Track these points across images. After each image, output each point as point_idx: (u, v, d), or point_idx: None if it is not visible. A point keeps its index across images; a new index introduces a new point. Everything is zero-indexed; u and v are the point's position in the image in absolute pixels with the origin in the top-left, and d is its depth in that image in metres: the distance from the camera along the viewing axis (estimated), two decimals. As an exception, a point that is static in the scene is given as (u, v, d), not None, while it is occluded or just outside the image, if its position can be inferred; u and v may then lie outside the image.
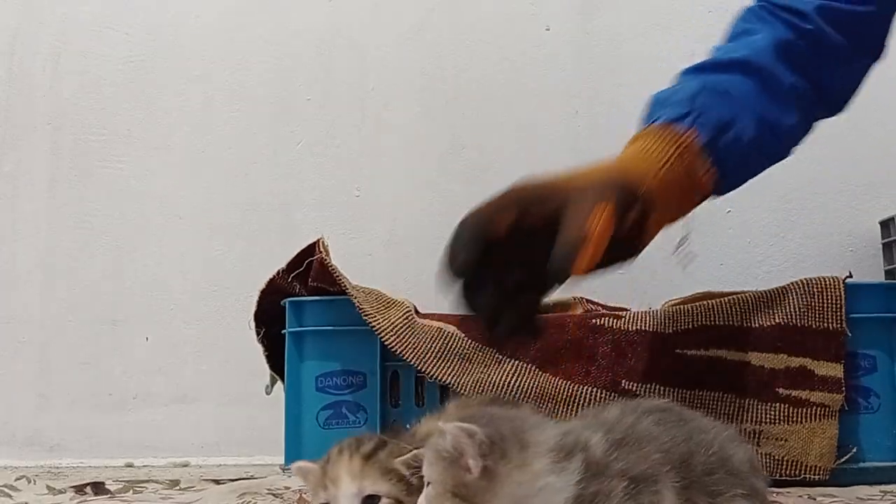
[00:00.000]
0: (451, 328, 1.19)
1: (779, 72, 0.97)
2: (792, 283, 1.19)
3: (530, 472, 0.60)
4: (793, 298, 1.17)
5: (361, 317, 1.16)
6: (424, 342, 1.16)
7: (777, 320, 1.16)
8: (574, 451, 0.61)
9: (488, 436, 0.61)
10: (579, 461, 0.60)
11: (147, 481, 1.28)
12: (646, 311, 1.21)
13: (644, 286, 1.67)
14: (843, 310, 1.16)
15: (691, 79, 0.98)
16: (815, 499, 1.01)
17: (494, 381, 1.14)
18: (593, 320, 1.19)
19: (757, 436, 1.11)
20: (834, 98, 1.04)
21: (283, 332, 1.25)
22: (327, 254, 1.21)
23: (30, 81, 1.86)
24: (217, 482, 1.24)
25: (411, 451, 0.74)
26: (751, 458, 0.68)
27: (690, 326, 1.17)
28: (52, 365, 1.76)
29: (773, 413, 1.13)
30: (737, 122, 0.94)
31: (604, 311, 1.25)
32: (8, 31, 1.88)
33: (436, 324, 1.19)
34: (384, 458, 0.74)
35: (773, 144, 0.99)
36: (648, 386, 1.13)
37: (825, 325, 1.15)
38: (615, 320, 1.19)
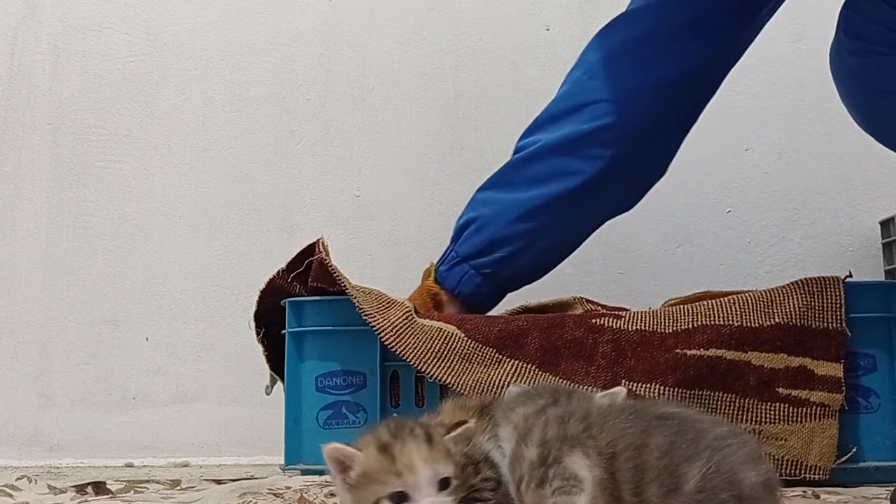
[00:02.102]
0: (451, 328, 1.19)
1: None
2: (792, 283, 1.19)
3: None
4: (793, 298, 1.17)
5: (361, 317, 1.16)
6: (424, 342, 1.16)
7: (777, 320, 1.16)
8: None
9: None
10: None
11: (148, 481, 1.28)
12: (646, 311, 1.21)
13: (644, 286, 1.67)
14: (843, 309, 1.16)
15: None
16: (818, 497, 1.01)
17: (494, 381, 1.14)
18: (593, 320, 1.19)
19: (757, 436, 1.11)
20: None
21: (282, 332, 1.25)
22: (327, 254, 1.21)
23: (30, 81, 1.87)
24: (218, 482, 1.24)
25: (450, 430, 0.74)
26: (767, 481, 0.65)
27: (690, 326, 1.16)
28: (52, 365, 1.76)
29: (773, 413, 1.13)
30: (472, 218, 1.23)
31: (604, 311, 1.25)
32: (8, 31, 1.88)
33: (436, 324, 1.19)
34: (442, 440, 0.73)
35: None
36: (648, 386, 1.13)
37: (825, 324, 1.16)
38: (615, 320, 1.18)
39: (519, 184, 1.20)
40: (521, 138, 1.27)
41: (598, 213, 1.25)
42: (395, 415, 1.19)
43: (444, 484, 0.71)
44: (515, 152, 1.27)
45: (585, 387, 1.15)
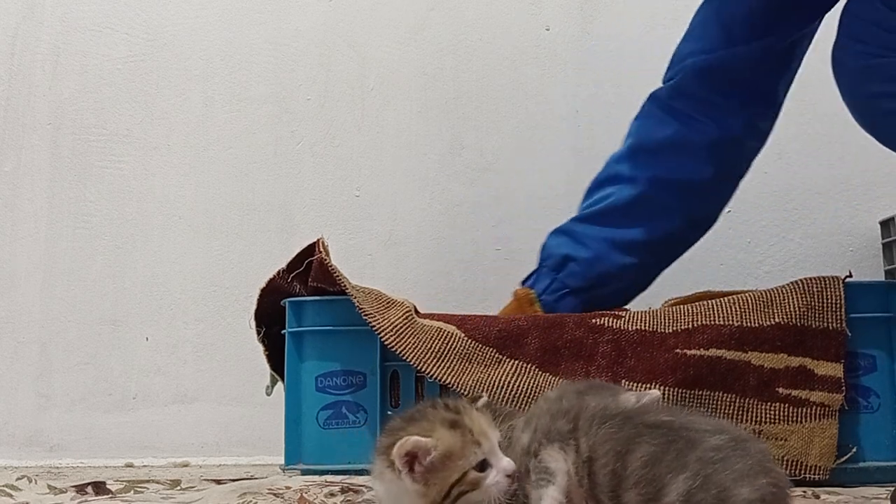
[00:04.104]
0: (451, 328, 1.19)
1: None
2: (792, 283, 1.19)
3: None
4: (793, 298, 1.17)
5: (361, 317, 1.16)
6: (424, 342, 1.16)
7: (777, 320, 1.16)
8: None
9: None
10: None
11: (148, 481, 1.28)
12: (646, 311, 1.21)
13: (644, 286, 1.67)
14: (843, 309, 1.16)
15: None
16: (818, 497, 1.01)
17: (494, 381, 1.14)
18: (593, 320, 1.19)
19: (757, 435, 1.11)
20: (699, 196, 1.27)
21: (283, 331, 1.25)
22: (327, 254, 1.21)
23: (30, 81, 1.87)
24: (218, 482, 1.24)
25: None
26: (765, 497, 0.62)
27: (690, 326, 1.16)
28: (52, 365, 1.76)
29: (773, 413, 1.13)
30: (574, 254, 1.27)
31: (604, 311, 1.25)
32: (8, 31, 1.88)
33: (436, 324, 1.19)
34: (484, 409, 0.78)
35: (630, 259, 1.27)
36: (648, 386, 1.13)
37: (825, 324, 1.16)
38: (615, 320, 1.18)
39: (622, 223, 1.26)
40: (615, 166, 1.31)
41: (691, 243, 1.33)
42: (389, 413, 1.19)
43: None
44: (606, 180, 1.31)
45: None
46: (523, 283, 1.35)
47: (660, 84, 1.33)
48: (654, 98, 1.30)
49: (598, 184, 1.31)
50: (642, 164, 1.26)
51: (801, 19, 1.24)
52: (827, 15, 1.24)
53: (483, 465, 0.73)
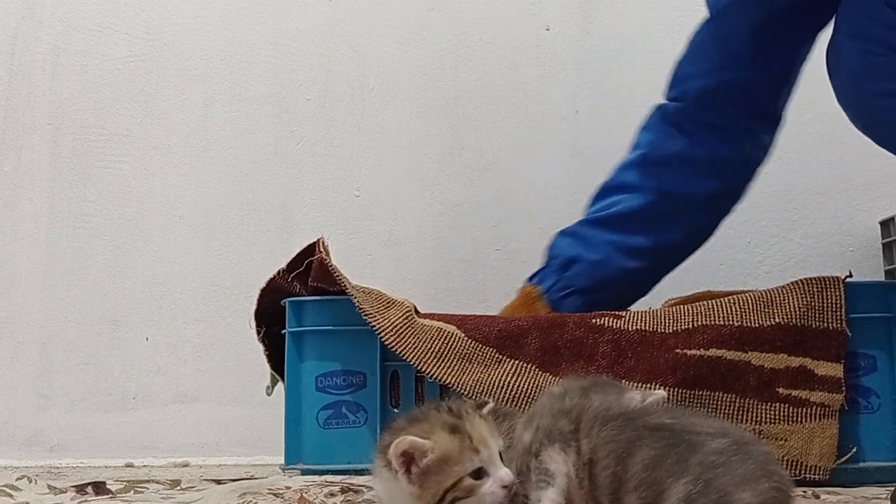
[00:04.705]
0: (451, 328, 1.19)
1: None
2: (792, 283, 1.19)
3: None
4: (793, 298, 1.17)
5: (361, 317, 1.16)
6: (424, 342, 1.16)
7: (777, 320, 1.16)
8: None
9: None
10: None
11: (148, 481, 1.28)
12: (646, 311, 1.21)
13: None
14: (843, 309, 1.16)
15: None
16: (818, 497, 1.01)
17: (494, 381, 1.14)
18: (593, 320, 1.19)
19: (757, 435, 1.11)
20: (704, 208, 1.31)
21: (283, 331, 1.25)
22: (327, 254, 1.21)
23: (30, 81, 1.87)
24: (218, 482, 1.24)
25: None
26: (763, 502, 0.62)
27: (690, 326, 1.16)
28: (52, 365, 1.76)
29: (773, 413, 1.13)
30: (580, 255, 1.30)
31: (604, 311, 1.25)
32: (8, 31, 1.88)
33: (436, 324, 1.19)
34: (489, 417, 0.78)
35: (633, 263, 1.29)
36: (648, 386, 1.13)
37: (825, 324, 1.16)
38: (615, 320, 1.18)
39: (629, 229, 1.29)
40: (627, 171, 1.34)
41: (691, 252, 1.37)
42: (396, 412, 1.19)
43: (500, 457, 0.75)
44: (615, 188, 1.33)
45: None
46: (529, 280, 1.36)
47: (660, 89, 1.34)
48: (662, 112, 1.33)
49: (607, 190, 1.34)
50: (651, 176, 1.29)
51: (800, 40, 1.26)
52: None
53: (480, 473, 0.73)
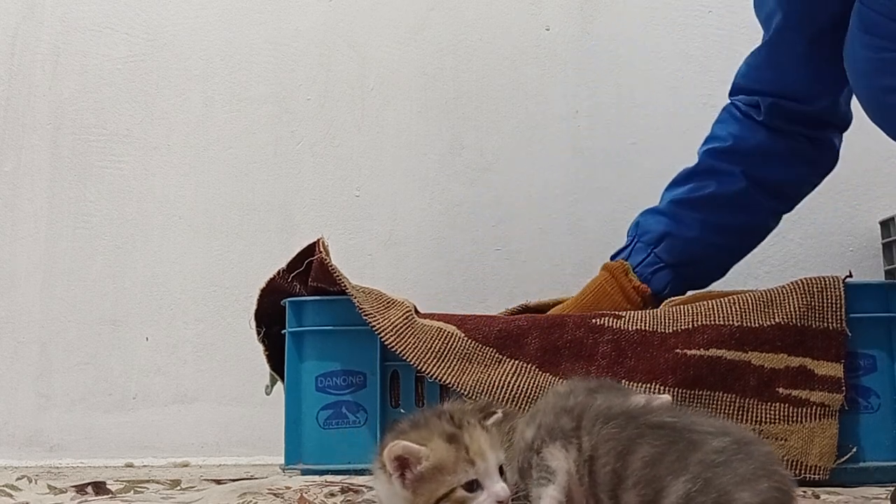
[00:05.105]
0: (451, 328, 1.19)
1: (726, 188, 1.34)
2: (792, 283, 1.19)
3: None
4: (793, 298, 1.17)
5: (361, 317, 1.16)
6: (424, 342, 1.16)
7: (777, 320, 1.16)
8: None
9: None
10: None
11: (148, 481, 1.28)
12: (646, 311, 1.21)
13: (644, 286, 1.66)
14: (843, 309, 1.16)
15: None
16: (818, 497, 1.01)
17: (494, 381, 1.14)
18: (593, 320, 1.19)
19: (757, 435, 1.11)
20: (785, 194, 1.37)
21: (283, 331, 1.25)
22: (327, 254, 1.21)
23: (30, 81, 1.87)
24: (218, 482, 1.24)
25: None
26: (762, 502, 0.61)
27: (690, 326, 1.16)
28: (52, 365, 1.76)
29: (773, 413, 1.13)
30: (673, 231, 1.34)
31: (604, 311, 1.25)
32: (8, 31, 1.88)
33: (436, 324, 1.19)
34: (493, 429, 0.76)
35: (721, 240, 1.35)
36: (648, 386, 1.13)
37: (825, 324, 1.16)
38: (615, 320, 1.18)
39: (720, 211, 1.35)
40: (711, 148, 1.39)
41: (770, 231, 1.43)
42: (394, 421, 1.19)
43: (500, 470, 0.74)
44: (704, 172, 1.38)
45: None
46: (613, 257, 1.39)
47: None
48: (738, 108, 1.37)
49: (693, 175, 1.38)
50: (740, 163, 1.34)
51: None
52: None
53: (474, 486, 0.71)
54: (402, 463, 0.73)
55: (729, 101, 1.39)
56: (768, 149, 1.33)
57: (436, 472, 0.72)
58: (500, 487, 0.72)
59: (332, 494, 0.96)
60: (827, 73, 1.25)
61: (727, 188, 1.34)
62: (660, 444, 0.67)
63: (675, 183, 1.40)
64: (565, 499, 0.71)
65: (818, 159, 1.36)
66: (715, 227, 1.34)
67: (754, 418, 1.13)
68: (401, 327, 1.17)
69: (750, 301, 1.18)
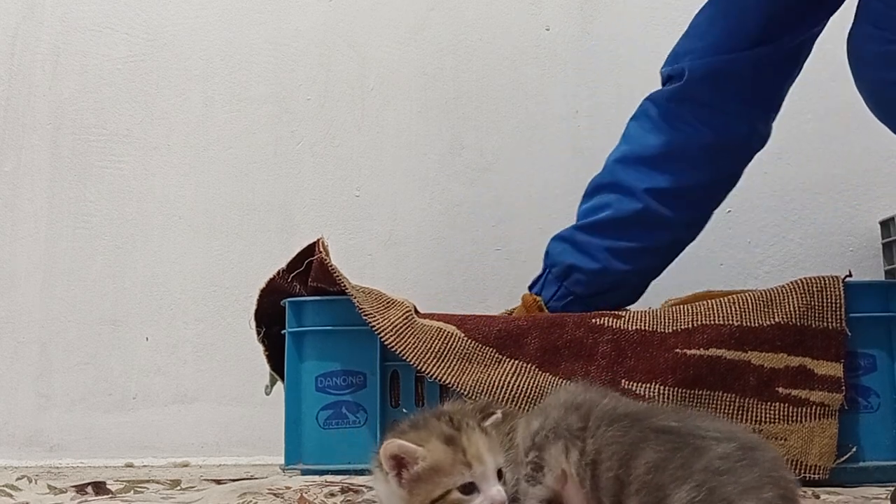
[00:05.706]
0: (451, 328, 1.19)
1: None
2: (792, 283, 1.19)
3: None
4: (793, 298, 1.17)
5: (361, 317, 1.16)
6: (424, 342, 1.16)
7: (777, 320, 1.16)
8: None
9: None
10: None
11: (148, 481, 1.28)
12: (646, 311, 1.21)
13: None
14: (843, 309, 1.16)
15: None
16: (818, 497, 1.01)
17: (494, 381, 1.14)
18: (593, 320, 1.19)
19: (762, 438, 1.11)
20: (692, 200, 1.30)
21: (283, 332, 1.25)
22: (327, 254, 1.21)
23: (30, 81, 1.87)
24: (218, 482, 1.24)
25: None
26: None
27: (690, 326, 1.16)
28: (52, 365, 1.76)
29: (772, 412, 1.13)
30: (578, 264, 1.29)
31: (604, 311, 1.25)
32: (8, 31, 1.88)
33: (436, 324, 1.19)
34: (493, 432, 0.76)
35: (630, 266, 1.30)
36: (648, 386, 1.13)
37: (825, 324, 1.16)
38: (615, 320, 1.18)
39: (623, 234, 1.29)
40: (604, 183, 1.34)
41: (688, 243, 1.36)
42: (394, 421, 1.19)
43: (499, 474, 0.74)
44: (606, 186, 1.32)
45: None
46: (530, 288, 1.36)
47: (660, 85, 1.33)
48: (652, 101, 1.31)
49: (598, 188, 1.33)
50: (639, 175, 1.28)
51: (815, 18, 1.24)
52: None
53: (469, 489, 0.71)
54: (399, 462, 0.73)
55: (655, 91, 1.32)
56: (674, 150, 1.26)
57: (432, 473, 0.72)
58: (496, 491, 0.71)
59: (332, 494, 0.96)
60: (786, 35, 1.22)
61: (627, 207, 1.27)
62: (664, 449, 0.66)
63: (585, 196, 1.35)
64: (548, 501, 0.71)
65: (730, 157, 1.29)
66: (621, 254, 1.28)
67: (754, 418, 1.13)
68: (401, 327, 1.17)
69: (750, 301, 1.18)
